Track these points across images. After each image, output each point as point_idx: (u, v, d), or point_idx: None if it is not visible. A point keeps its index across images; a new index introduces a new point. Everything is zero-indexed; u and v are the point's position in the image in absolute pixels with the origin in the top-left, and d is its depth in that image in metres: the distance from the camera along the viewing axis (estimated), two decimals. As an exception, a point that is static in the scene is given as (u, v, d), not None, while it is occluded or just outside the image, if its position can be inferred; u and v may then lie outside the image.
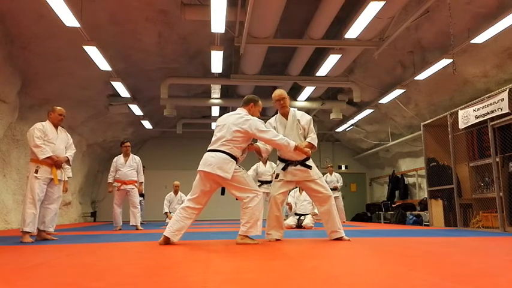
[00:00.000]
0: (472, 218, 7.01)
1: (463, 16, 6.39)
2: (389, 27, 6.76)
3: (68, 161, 4.71)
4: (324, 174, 6.58)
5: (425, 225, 9.05)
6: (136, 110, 10.29)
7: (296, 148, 3.72)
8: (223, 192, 4.00)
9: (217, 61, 7.41)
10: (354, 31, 6.29)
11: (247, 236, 3.70)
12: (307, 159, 4.10)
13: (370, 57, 8.00)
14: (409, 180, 12.35)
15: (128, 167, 7.28)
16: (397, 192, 12.59)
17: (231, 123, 3.78)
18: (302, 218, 7.38)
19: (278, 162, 4.29)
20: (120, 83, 8.31)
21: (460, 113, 6.96)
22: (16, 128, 7.88)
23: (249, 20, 6.00)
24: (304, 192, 7.30)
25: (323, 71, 8.18)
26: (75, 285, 1.76)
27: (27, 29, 6.53)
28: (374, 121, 11.88)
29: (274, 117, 4.37)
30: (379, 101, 9.73)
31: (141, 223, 7.42)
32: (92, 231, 6.62)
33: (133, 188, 7.22)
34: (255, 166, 7.84)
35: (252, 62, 8.12)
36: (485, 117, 6.30)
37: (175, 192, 9.31)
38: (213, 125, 11.16)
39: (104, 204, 13.10)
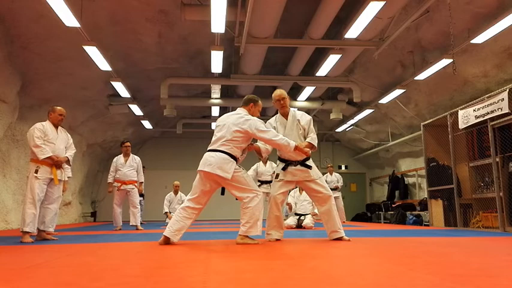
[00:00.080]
0: (472, 218, 7.01)
1: (463, 16, 6.39)
2: (390, 27, 6.76)
3: (68, 161, 4.71)
4: (324, 174, 6.57)
5: (425, 225, 9.05)
6: (136, 110, 10.29)
7: (296, 148, 3.72)
8: (223, 192, 4.00)
9: (217, 61, 7.41)
10: (354, 31, 6.29)
11: (247, 236, 3.70)
12: (307, 159, 4.11)
13: (370, 57, 8.00)
14: (409, 180, 12.35)
15: (128, 167, 7.28)
16: (397, 192, 12.59)
17: (231, 123, 3.78)
18: (302, 218, 7.38)
19: (278, 162, 4.29)
20: (120, 83, 8.31)
21: (460, 113, 6.96)
22: (16, 128, 7.89)
23: (249, 20, 6.00)
24: (304, 192, 7.30)
25: (323, 71, 8.18)
26: (75, 285, 1.76)
27: (27, 29, 6.53)
28: (374, 121, 11.88)
29: (274, 117, 4.37)
30: (379, 101, 9.73)
31: (141, 223, 7.42)
32: (92, 231, 6.62)
33: (133, 188, 7.22)
34: (255, 166, 7.84)
35: (252, 62, 8.12)
36: (485, 117, 6.30)
37: (175, 192, 9.31)
38: (213, 125, 11.16)
39: (104, 204, 13.11)
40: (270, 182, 7.31)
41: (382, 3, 5.39)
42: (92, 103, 9.68)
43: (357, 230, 6.56)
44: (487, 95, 6.40)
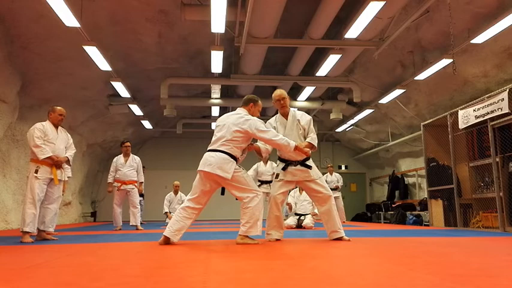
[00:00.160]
0: (472, 218, 7.01)
1: (463, 16, 6.39)
2: (390, 27, 6.76)
3: (68, 161, 4.71)
4: (324, 174, 6.57)
5: (425, 225, 9.05)
6: (136, 110, 10.29)
7: (296, 148, 3.72)
8: (223, 192, 4.00)
9: (217, 61, 7.41)
10: (354, 31, 6.29)
11: (247, 236, 3.70)
12: (307, 159, 4.10)
13: (370, 57, 8.00)
14: (409, 180, 12.35)
15: (127, 167, 7.28)
16: (397, 192, 12.59)
17: (231, 123, 3.78)
18: (302, 218, 7.38)
19: (278, 162, 4.29)
20: (120, 83, 8.31)
21: (460, 113, 6.96)
22: (16, 128, 7.89)
23: (249, 20, 6.00)
24: (304, 192, 7.30)
25: (323, 71, 8.18)
26: (75, 285, 1.76)
27: (27, 29, 6.53)
28: (374, 121, 11.88)
29: (274, 117, 4.37)
30: (379, 101, 9.74)
31: (141, 223, 7.42)
32: (92, 231, 6.62)
33: (133, 188, 7.22)
34: (255, 166, 7.84)
35: (252, 62, 8.12)
36: (485, 117, 6.30)
37: (175, 192, 9.31)
38: (213, 125, 11.16)
39: (104, 204, 13.11)
40: (270, 182, 7.31)
41: (382, 3, 5.39)
42: (92, 103, 9.69)
43: (357, 230, 6.56)
44: (487, 95, 6.40)
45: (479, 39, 6.21)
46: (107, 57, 6.98)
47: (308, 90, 9.71)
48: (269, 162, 7.84)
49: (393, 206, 11.77)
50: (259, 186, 7.39)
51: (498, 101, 6.03)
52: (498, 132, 6.19)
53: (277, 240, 4.11)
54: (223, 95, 10.42)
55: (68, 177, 5.09)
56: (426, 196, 8.58)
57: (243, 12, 6.20)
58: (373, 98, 10.17)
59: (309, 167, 4.09)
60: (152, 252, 3.21)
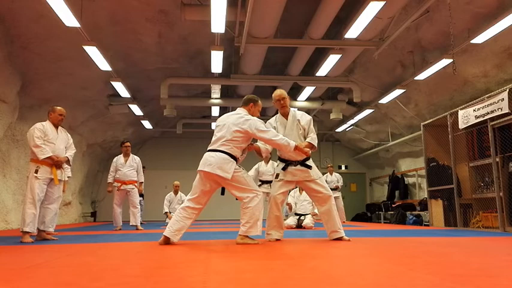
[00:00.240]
0: (472, 218, 7.01)
1: (463, 16, 6.39)
2: (390, 27, 6.76)
3: (68, 161, 4.71)
4: (324, 174, 6.57)
5: (425, 225, 9.05)
6: (136, 110, 10.29)
7: (296, 148, 3.72)
8: (223, 192, 4.00)
9: (217, 61, 7.41)
10: (354, 31, 6.29)
11: (247, 236, 3.70)
12: (307, 159, 4.10)
13: (370, 57, 8.00)
14: (409, 180, 12.35)
15: (127, 167, 7.28)
16: (397, 192, 12.59)
17: (231, 123, 3.78)
18: (302, 218, 7.38)
19: (278, 162, 4.29)
20: (120, 83, 8.31)
21: (460, 113, 6.96)
22: (16, 128, 7.89)
23: (249, 20, 6.00)
24: (304, 192, 7.30)
25: (323, 71, 8.18)
26: (75, 285, 1.76)
27: (27, 29, 6.53)
28: (374, 121, 11.88)
29: (274, 117, 4.37)
30: (379, 101, 9.74)
31: (141, 223, 7.42)
32: (92, 231, 6.62)
33: (133, 188, 7.22)
34: (256, 165, 7.82)
35: (252, 62, 8.12)
36: (485, 117, 6.30)
37: (175, 192, 9.31)
38: (213, 125, 11.16)
39: (104, 204, 13.11)
40: (271, 182, 7.30)
41: (382, 3, 5.39)
42: (92, 103, 9.69)
43: (357, 230, 6.56)
44: (487, 95, 6.40)
45: (479, 39, 6.21)
46: (107, 57, 6.98)
47: (308, 90, 9.71)
48: (270, 162, 7.82)
49: (393, 206, 11.77)
50: (260, 186, 7.39)
51: (498, 101, 6.03)
52: (498, 132, 6.19)
53: (277, 240, 4.11)
54: (223, 95, 10.42)
55: (68, 177, 5.09)
56: (426, 196, 8.58)
57: (243, 12, 6.20)
58: (373, 98, 10.17)
59: (309, 167, 4.09)
60: (152, 252, 3.21)
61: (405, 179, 12.39)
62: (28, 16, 6.29)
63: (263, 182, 7.66)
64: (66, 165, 4.80)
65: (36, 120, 4.85)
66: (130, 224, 7.20)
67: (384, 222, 12.03)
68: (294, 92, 10.13)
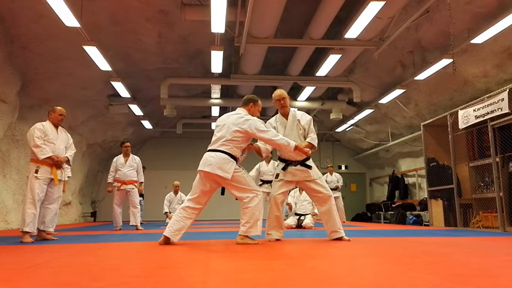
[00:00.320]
0: (472, 218, 7.01)
1: (463, 16, 6.39)
2: (390, 27, 6.76)
3: (68, 161, 4.71)
4: (324, 174, 6.57)
5: (425, 225, 9.05)
6: (136, 110, 10.29)
7: (296, 148, 3.72)
8: (223, 192, 4.00)
9: (217, 61, 7.41)
10: (354, 31, 6.29)
11: (247, 236, 3.70)
12: (307, 159, 4.10)
13: (370, 57, 8.00)
14: (409, 180, 12.35)
15: (127, 167, 7.28)
16: (397, 192, 12.59)
17: (230, 123, 3.78)
18: (302, 218, 7.38)
19: (278, 162, 4.29)
20: (120, 83, 8.31)
21: (460, 113, 6.96)
22: (16, 128, 7.88)
23: (249, 20, 6.00)
24: (304, 192, 7.30)
25: (323, 71, 8.18)
26: (75, 285, 1.76)
27: (27, 29, 6.53)
28: (374, 121, 11.88)
29: (274, 117, 4.37)
30: (379, 101, 9.74)
31: (141, 223, 7.42)
32: (92, 231, 6.62)
33: (133, 188, 7.22)
34: (257, 165, 7.80)
35: (252, 62, 8.12)
36: (485, 117, 6.30)
37: (175, 192, 9.31)
38: (213, 125, 11.16)
39: (104, 204, 13.11)
40: (271, 181, 7.29)
41: (382, 3, 5.39)
42: (92, 103, 9.69)
43: (357, 230, 6.56)
44: (487, 95, 6.40)
45: (479, 39, 6.21)
46: (107, 57, 6.98)
47: (308, 90, 9.71)
48: (271, 161, 7.80)
49: (393, 206, 11.77)
50: (260, 185, 7.39)
51: (498, 101, 6.03)
52: (498, 132, 6.19)
53: (277, 240, 4.11)
54: (223, 95, 10.42)
55: (68, 177, 5.09)
56: (426, 196, 8.58)
57: (243, 12, 6.20)
58: (373, 98, 10.17)
59: (309, 167, 4.09)
60: (152, 252, 3.21)
61: (405, 179, 12.39)
62: (28, 16, 6.29)
63: (264, 182, 7.65)
64: (66, 165, 4.80)
65: (36, 120, 4.85)
66: (130, 224, 7.21)
67: (384, 222, 12.03)
68: (294, 92, 10.13)
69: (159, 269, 2.25)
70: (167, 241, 3.69)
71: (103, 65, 7.13)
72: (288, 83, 9.32)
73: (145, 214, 10.41)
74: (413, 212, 10.33)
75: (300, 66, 8.50)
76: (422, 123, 8.39)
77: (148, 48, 8.00)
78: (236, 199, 3.83)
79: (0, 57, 6.54)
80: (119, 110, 10.04)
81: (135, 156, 7.49)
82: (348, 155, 15.36)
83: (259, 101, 4.04)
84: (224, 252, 3.11)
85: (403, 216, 10.32)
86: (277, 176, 4.21)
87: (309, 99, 10.49)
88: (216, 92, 9.95)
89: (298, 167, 4.09)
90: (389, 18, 6.35)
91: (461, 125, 6.91)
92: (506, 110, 5.83)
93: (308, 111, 10.36)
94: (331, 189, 4.83)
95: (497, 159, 6.13)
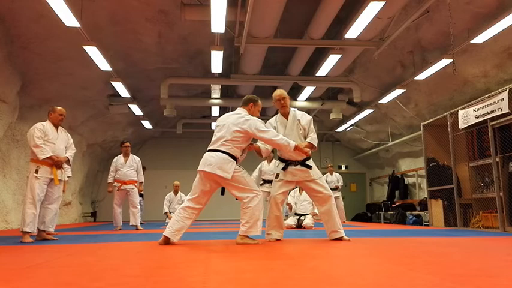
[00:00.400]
0: (472, 218, 7.01)
1: (463, 16, 6.39)
2: (390, 27, 6.76)
3: (68, 161, 4.72)
4: (324, 174, 6.57)
5: (425, 225, 9.05)
6: (136, 110, 10.29)
7: (296, 148, 3.72)
8: (223, 192, 4.00)
9: (217, 61, 7.41)
10: (354, 31, 6.29)
11: (247, 236, 3.70)
12: (307, 159, 4.11)
13: (370, 57, 8.00)
14: (409, 180, 12.35)
15: (127, 167, 7.28)
16: (397, 192, 12.59)
17: (230, 123, 3.78)
18: (302, 218, 7.38)
19: (278, 162, 4.29)
20: (120, 83, 8.31)
21: (460, 113, 6.96)
22: (16, 128, 7.88)
23: (249, 20, 6.00)
24: (304, 192, 7.30)
25: (323, 71, 8.18)
26: (75, 285, 1.76)
27: (27, 29, 6.53)
28: (374, 121, 11.88)
29: (274, 117, 4.37)
30: (379, 101, 9.73)
31: (141, 223, 7.42)
32: (92, 231, 6.62)
33: (133, 188, 7.23)
34: (259, 165, 7.77)
35: (252, 62, 8.12)
36: (485, 117, 6.30)
37: (175, 192, 9.31)
38: (213, 125, 11.16)
39: (104, 204, 13.11)
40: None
41: (382, 3, 5.39)
42: (92, 103, 9.69)
43: (357, 230, 6.56)
44: (487, 95, 6.40)
45: (479, 39, 6.21)
46: (107, 57, 6.98)
47: (308, 90, 9.71)
48: (273, 161, 7.76)
49: (393, 206, 11.77)
50: (262, 185, 7.38)
51: (498, 101, 6.03)
52: (498, 132, 6.19)
53: (277, 240, 4.11)
54: (223, 95, 10.42)
55: (68, 177, 5.09)
56: (426, 196, 8.58)
57: (243, 12, 6.20)
58: (373, 98, 10.17)
59: (309, 167, 4.09)
60: (152, 252, 3.21)
61: (405, 179, 12.39)
62: (28, 16, 6.29)
63: (265, 181, 7.63)
64: (66, 165, 4.80)
65: (36, 120, 4.85)
66: (130, 224, 7.21)
67: (384, 222, 12.03)
68: (294, 92, 10.13)
69: (159, 269, 2.25)
70: (167, 241, 3.69)
71: (103, 65, 7.13)
72: (288, 83, 9.32)
73: (145, 214, 10.41)
74: (413, 212, 10.33)
75: (300, 66, 8.50)
76: (422, 123, 8.39)
77: (148, 48, 8.00)
78: (236, 199, 3.83)
79: (0, 57, 6.54)
80: (119, 110, 10.04)
81: (135, 156, 7.49)
82: (348, 155, 15.36)
83: (259, 101, 4.04)
84: (224, 252, 3.11)
85: (403, 216, 10.32)
86: (277, 176, 4.21)
87: (309, 99, 10.49)
88: (216, 92, 9.95)
89: (298, 167, 4.09)
90: (389, 18, 6.35)
91: (461, 125, 6.91)
92: (506, 110, 5.83)
93: (308, 111, 10.36)
94: (331, 189, 4.83)
95: (497, 159, 6.13)
